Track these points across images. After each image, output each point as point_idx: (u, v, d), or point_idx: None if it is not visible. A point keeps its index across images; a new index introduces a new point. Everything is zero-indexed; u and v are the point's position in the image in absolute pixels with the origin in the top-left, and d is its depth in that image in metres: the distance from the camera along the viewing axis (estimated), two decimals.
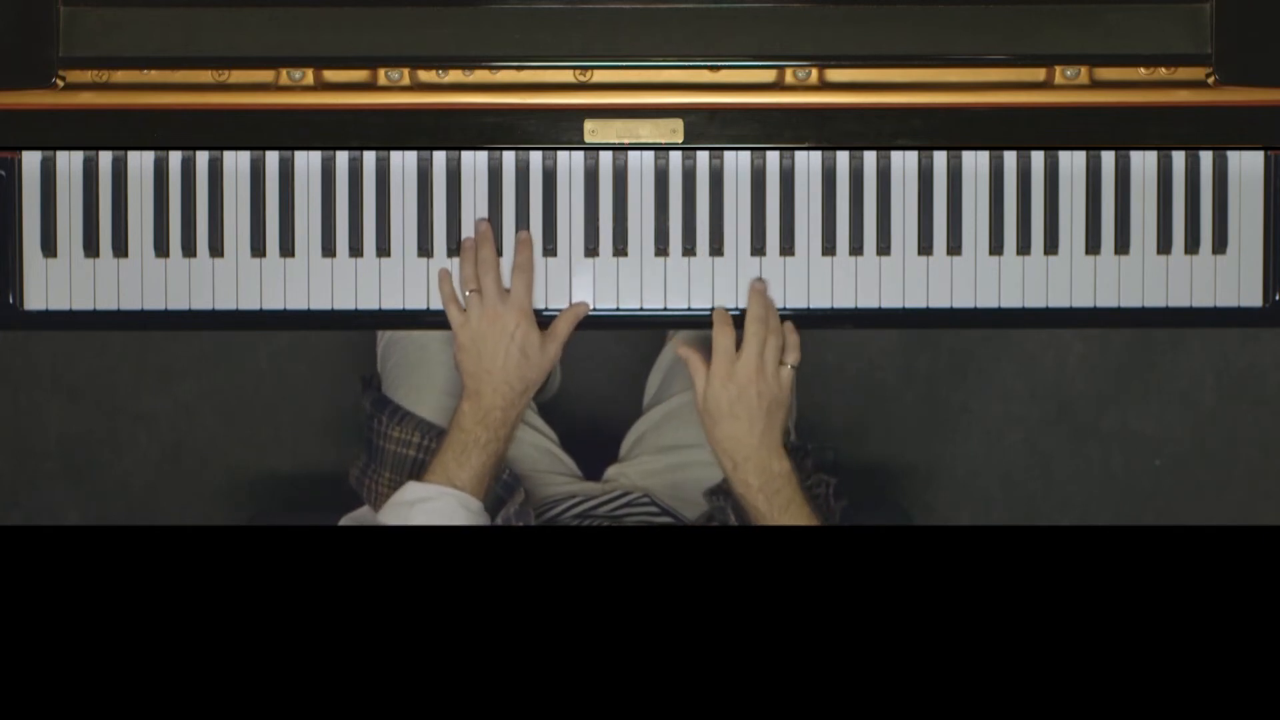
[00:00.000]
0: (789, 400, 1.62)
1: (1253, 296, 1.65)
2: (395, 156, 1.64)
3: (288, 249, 1.63)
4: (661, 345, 1.97)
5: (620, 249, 1.65)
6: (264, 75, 1.58)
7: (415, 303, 1.65)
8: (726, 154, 1.64)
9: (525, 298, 1.61)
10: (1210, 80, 1.58)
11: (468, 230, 1.64)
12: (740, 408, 1.58)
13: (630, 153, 1.64)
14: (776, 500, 1.58)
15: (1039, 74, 1.59)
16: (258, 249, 1.64)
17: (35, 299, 1.63)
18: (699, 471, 1.79)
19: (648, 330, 2.11)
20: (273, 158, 1.64)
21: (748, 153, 1.64)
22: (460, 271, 1.62)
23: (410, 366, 1.82)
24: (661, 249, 1.64)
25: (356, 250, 1.64)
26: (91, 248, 1.63)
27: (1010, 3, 1.57)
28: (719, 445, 1.60)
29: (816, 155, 1.64)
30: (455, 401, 1.77)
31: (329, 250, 1.64)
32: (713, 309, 1.63)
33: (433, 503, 1.58)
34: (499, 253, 1.63)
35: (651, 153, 1.64)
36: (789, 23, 1.57)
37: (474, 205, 1.64)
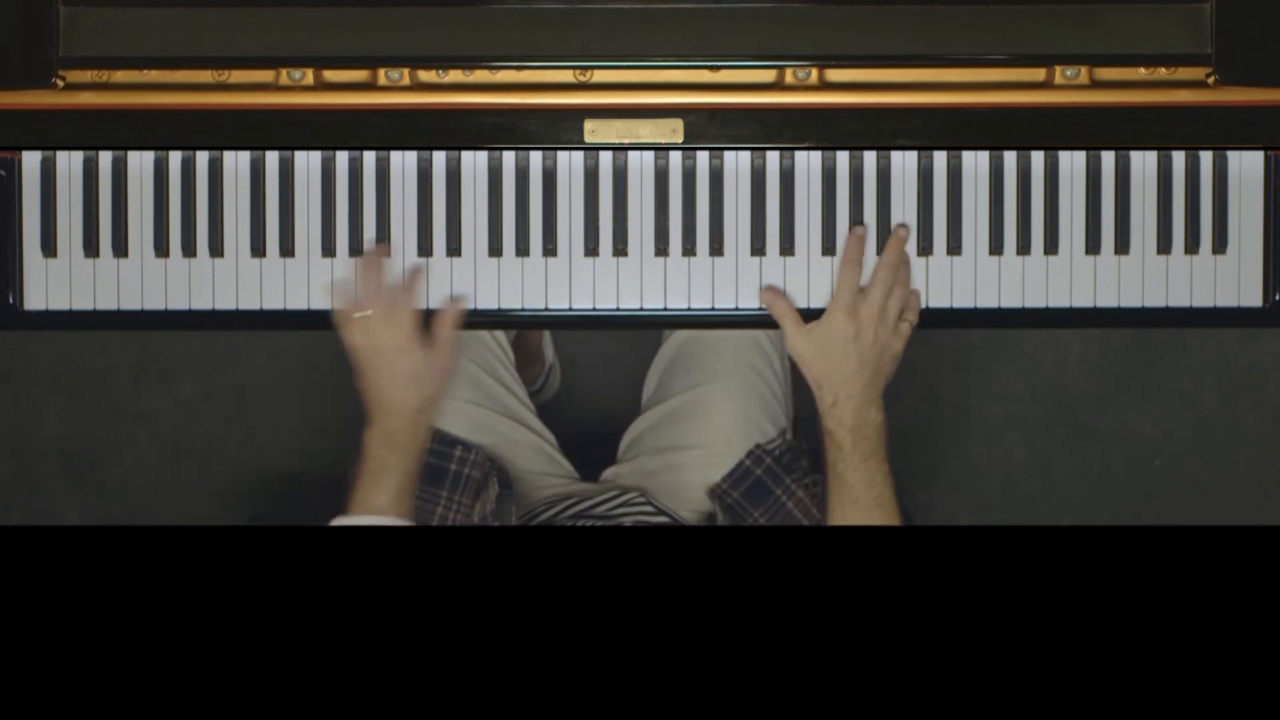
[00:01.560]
0: (899, 356, 1.61)
1: (1253, 296, 1.65)
2: (395, 156, 1.64)
3: (288, 249, 1.63)
4: (659, 345, 1.97)
5: (620, 249, 1.65)
6: (264, 75, 1.58)
7: (414, 302, 1.64)
8: (726, 154, 1.64)
9: (404, 312, 1.58)
10: (1210, 80, 1.58)
11: (466, 228, 1.64)
12: (854, 346, 1.58)
13: (630, 153, 1.64)
14: (862, 446, 1.58)
15: (1039, 74, 1.59)
16: (258, 249, 1.64)
17: (35, 299, 1.63)
18: (696, 472, 1.79)
19: (648, 330, 2.11)
20: (273, 158, 1.64)
21: (748, 153, 1.64)
22: (359, 294, 1.60)
23: None
24: (661, 249, 1.64)
25: (356, 250, 1.64)
26: (91, 248, 1.63)
27: (1010, 3, 1.57)
28: (822, 378, 1.59)
29: (816, 155, 1.64)
30: (456, 403, 1.77)
31: (329, 250, 1.64)
32: (850, 231, 1.61)
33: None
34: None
35: (651, 153, 1.64)
36: (789, 23, 1.57)
37: (474, 205, 1.64)
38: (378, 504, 1.58)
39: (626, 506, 1.75)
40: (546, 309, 1.65)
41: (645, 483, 1.81)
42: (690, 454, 1.81)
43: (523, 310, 1.65)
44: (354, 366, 1.60)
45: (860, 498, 1.58)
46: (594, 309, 1.65)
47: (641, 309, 1.65)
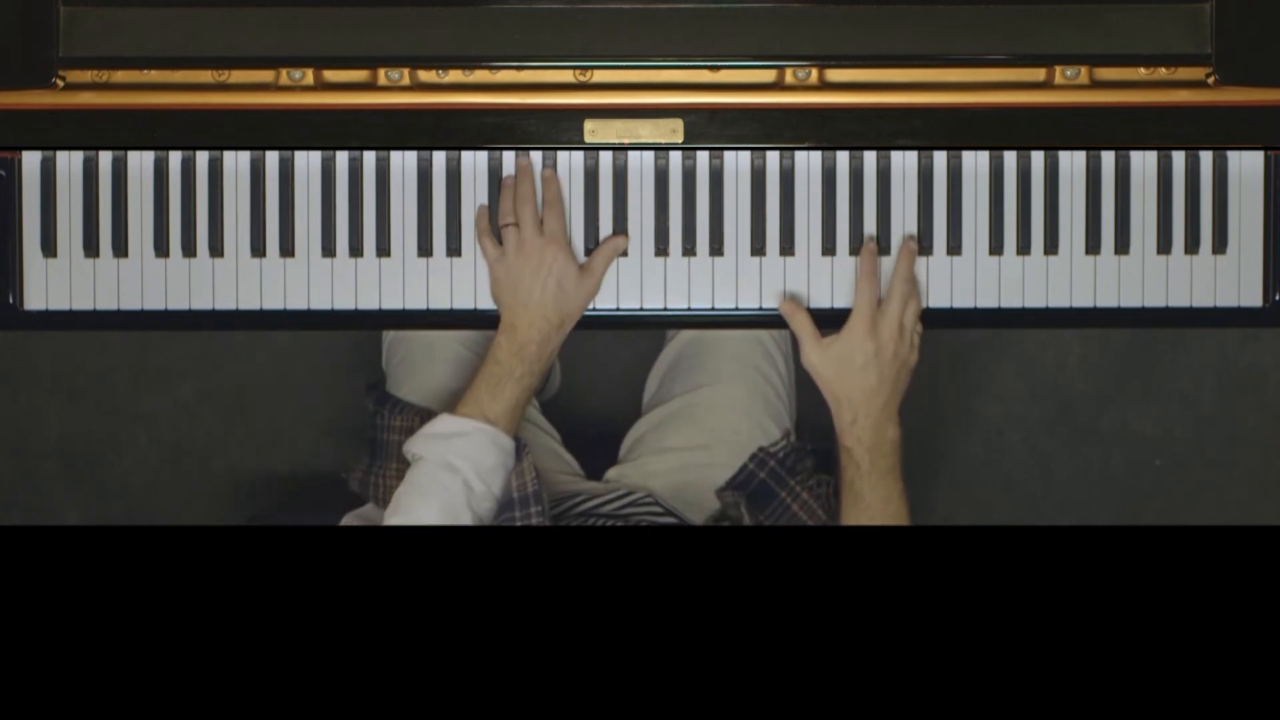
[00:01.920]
0: (913, 368, 1.62)
1: (1253, 296, 1.65)
2: (395, 156, 1.64)
3: (288, 249, 1.63)
4: (661, 345, 1.97)
5: (623, 247, 1.65)
6: (264, 75, 1.58)
7: (415, 303, 1.64)
8: (726, 154, 1.64)
9: (560, 232, 1.61)
10: (1210, 80, 1.58)
11: (468, 229, 1.64)
12: (875, 364, 1.58)
13: (630, 153, 1.64)
14: (879, 463, 1.58)
15: (1039, 74, 1.59)
16: (258, 249, 1.64)
17: (35, 299, 1.63)
18: (701, 473, 1.79)
19: (647, 330, 2.11)
20: (273, 158, 1.64)
21: (748, 153, 1.64)
22: (499, 206, 1.62)
23: (415, 364, 1.82)
24: (661, 249, 1.64)
25: (356, 250, 1.64)
26: (91, 248, 1.63)
27: (1010, 3, 1.57)
28: (842, 396, 1.59)
29: (816, 155, 1.64)
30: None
31: (329, 250, 1.64)
32: (862, 247, 1.62)
33: (467, 438, 1.57)
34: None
35: (651, 153, 1.64)
36: (789, 23, 1.57)
37: (474, 205, 1.64)
38: (493, 410, 1.59)
39: (634, 506, 1.75)
40: None
41: (650, 483, 1.80)
42: (693, 455, 1.80)
43: None
44: (493, 275, 1.61)
45: (876, 514, 1.58)
46: (594, 309, 1.65)
47: (641, 309, 1.65)
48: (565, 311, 1.61)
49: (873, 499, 1.58)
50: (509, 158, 1.64)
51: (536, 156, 1.64)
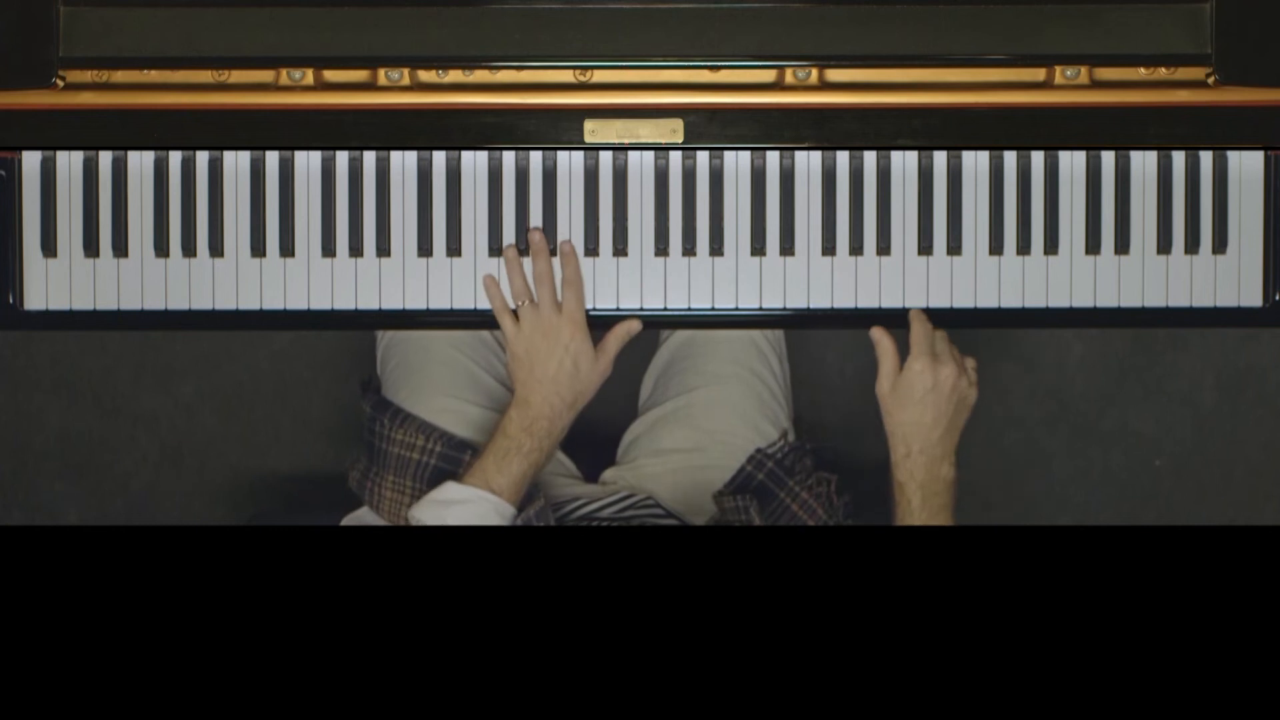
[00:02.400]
0: (972, 407, 1.61)
1: (1253, 296, 1.65)
2: (395, 156, 1.64)
3: (288, 249, 1.63)
4: (655, 348, 1.97)
5: (620, 249, 1.65)
6: (264, 75, 1.58)
7: (415, 303, 1.65)
8: (726, 154, 1.64)
9: (579, 311, 1.62)
10: (1210, 80, 1.58)
11: (466, 228, 1.64)
12: (932, 398, 1.58)
13: (630, 153, 1.64)
14: (931, 503, 1.59)
15: (1039, 74, 1.59)
16: (258, 249, 1.64)
17: (35, 299, 1.63)
18: (697, 475, 1.78)
19: (647, 330, 2.11)
20: (273, 158, 1.64)
21: (748, 153, 1.64)
22: (510, 283, 1.63)
23: (410, 368, 1.82)
24: (661, 249, 1.64)
25: (356, 250, 1.64)
26: (91, 248, 1.63)
27: (1010, 3, 1.57)
28: (899, 429, 1.59)
29: (816, 155, 1.64)
30: (456, 403, 1.77)
31: (329, 250, 1.64)
32: (909, 311, 1.62)
33: (469, 505, 1.59)
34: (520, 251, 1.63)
35: (651, 153, 1.64)
36: (789, 23, 1.57)
37: (474, 205, 1.64)
38: (497, 482, 1.60)
39: (636, 509, 1.75)
40: None
41: (649, 485, 1.80)
42: (689, 457, 1.80)
43: None
44: (511, 352, 1.62)
45: None
46: (594, 309, 1.65)
47: (641, 309, 1.65)
48: (578, 391, 1.63)
49: None
50: (509, 158, 1.64)
51: (537, 156, 1.63)
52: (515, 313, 1.62)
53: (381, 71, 1.59)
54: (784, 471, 1.76)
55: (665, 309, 1.65)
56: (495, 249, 1.64)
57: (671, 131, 1.60)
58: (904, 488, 1.59)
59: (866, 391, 2.11)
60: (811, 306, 1.64)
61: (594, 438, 1.96)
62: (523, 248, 1.63)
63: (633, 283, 1.65)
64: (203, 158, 1.63)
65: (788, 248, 1.65)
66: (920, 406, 1.58)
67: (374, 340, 1.94)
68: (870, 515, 1.95)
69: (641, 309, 1.65)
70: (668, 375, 1.90)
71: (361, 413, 1.80)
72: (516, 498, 1.61)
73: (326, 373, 2.41)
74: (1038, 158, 1.64)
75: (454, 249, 1.64)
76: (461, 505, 1.59)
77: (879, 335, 1.62)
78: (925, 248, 1.64)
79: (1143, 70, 1.59)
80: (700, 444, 1.80)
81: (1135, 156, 1.64)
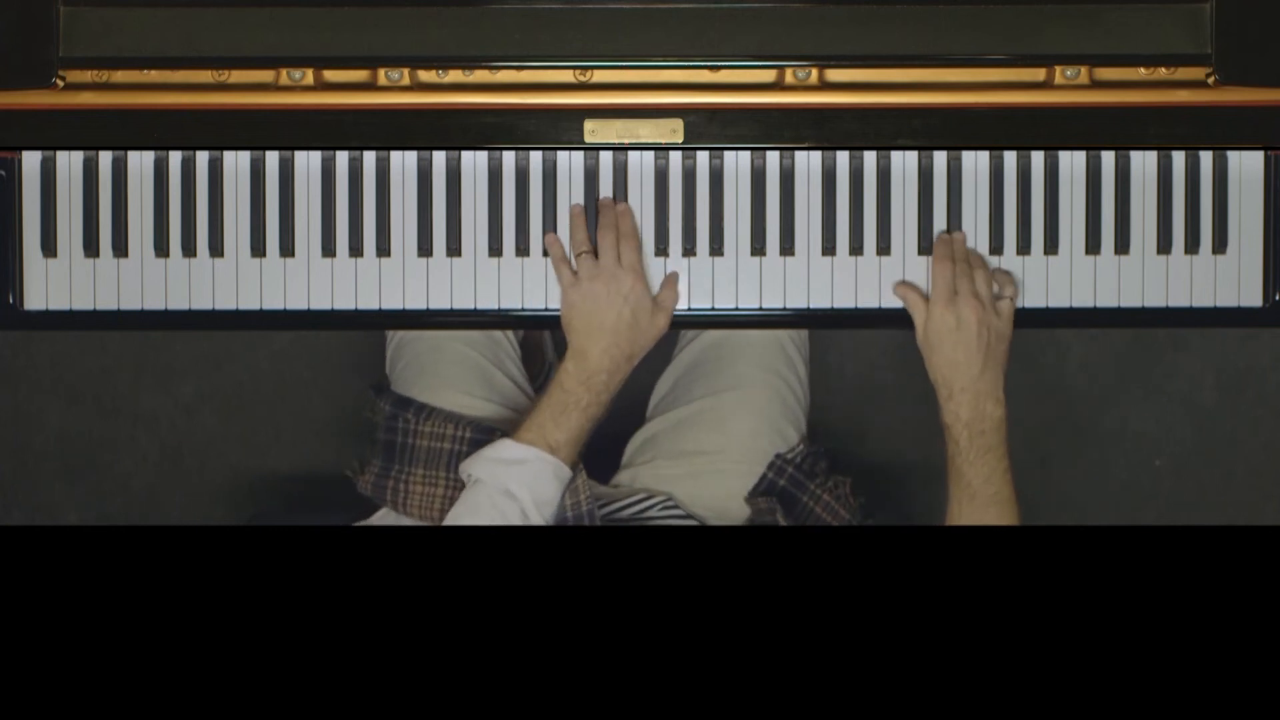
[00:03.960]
0: (1010, 336, 1.61)
1: (1253, 296, 1.65)
2: (395, 156, 1.64)
3: (288, 249, 1.63)
4: (665, 350, 1.96)
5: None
6: (264, 75, 1.58)
7: (415, 303, 1.65)
8: (726, 154, 1.64)
9: (638, 264, 1.61)
10: (1210, 80, 1.58)
11: (466, 228, 1.64)
12: (960, 336, 1.58)
13: (630, 153, 1.64)
14: (978, 441, 1.59)
15: (1039, 74, 1.59)
16: (258, 249, 1.64)
17: (35, 299, 1.63)
18: (715, 479, 1.77)
19: (666, 334, 2.11)
20: (273, 158, 1.64)
21: (748, 153, 1.64)
22: (572, 235, 1.62)
23: (422, 367, 1.81)
24: (662, 249, 1.64)
25: (356, 250, 1.64)
26: (91, 248, 1.63)
27: (1010, 3, 1.57)
28: (937, 374, 1.60)
29: (816, 155, 1.64)
30: (469, 400, 1.76)
31: (329, 250, 1.64)
32: (936, 237, 1.63)
33: (528, 466, 1.57)
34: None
35: (651, 153, 1.64)
36: (789, 23, 1.57)
37: (474, 205, 1.64)
38: (555, 438, 1.59)
39: (656, 509, 1.75)
40: (547, 309, 1.65)
41: (663, 487, 1.80)
42: (711, 460, 1.79)
43: (523, 310, 1.65)
44: (568, 301, 1.61)
45: (978, 493, 1.59)
46: None
47: None
48: (636, 344, 1.62)
49: (973, 476, 1.59)
50: (509, 158, 1.64)
51: (537, 156, 1.63)
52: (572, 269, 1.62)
53: (381, 71, 1.59)
54: (804, 475, 1.76)
55: None
56: (495, 249, 1.64)
57: (671, 131, 1.60)
58: (951, 429, 1.60)
59: (867, 393, 2.12)
60: (811, 306, 1.64)
61: (597, 438, 1.96)
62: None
63: None
64: (203, 158, 1.63)
65: (788, 248, 1.65)
66: (951, 348, 1.58)
67: (375, 340, 1.94)
68: (881, 516, 1.95)
69: None
70: (692, 376, 1.88)
71: (376, 414, 1.79)
72: (573, 456, 1.60)
73: (326, 373, 2.41)
74: (1038, 158, 1.64)
75: (454, 249, 1.64)
76: (520, 465, 1.57)
77: (903, 291, 1.62)
78: (925, 248, 1.64)
79: (1143, 70, 1.59)
80: (722, 447, 1.79)
81: (1135, 156, 1.64)
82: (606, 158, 1.64)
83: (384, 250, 1.64)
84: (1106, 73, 1.59)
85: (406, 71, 1.59)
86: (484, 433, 1.70)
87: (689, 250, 1.65)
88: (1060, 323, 1.66)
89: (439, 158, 1.64)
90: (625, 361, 1.61)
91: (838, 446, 1.62)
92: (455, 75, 1.60)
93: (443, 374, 1.79)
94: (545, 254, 1.64)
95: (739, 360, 1.83)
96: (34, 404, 2.41)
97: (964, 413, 1.59)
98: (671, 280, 1.64)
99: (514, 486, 1.56)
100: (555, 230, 1.64)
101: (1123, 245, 1.64)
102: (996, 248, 1.65)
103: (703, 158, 1.64)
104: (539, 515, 1.56)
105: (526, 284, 1.64)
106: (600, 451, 1.91)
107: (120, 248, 1.63)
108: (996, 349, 1.60)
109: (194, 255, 1.63)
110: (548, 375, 2.27)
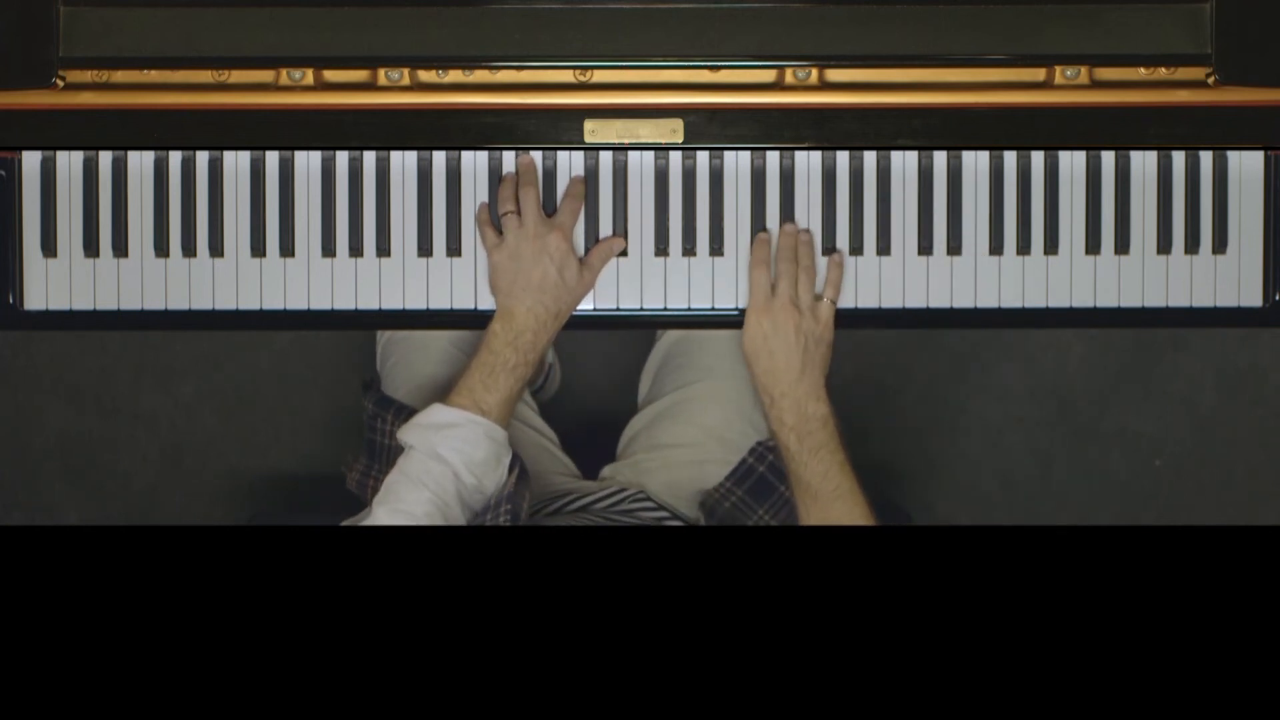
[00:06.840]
0: (829, 338, 1.61)
1: (1253, 296, 1.65)
2: (395, 156, 1.64)
3: (288, 249, 1.63)
4: (652, 345, 1.97)
5: (620, 249, 1.65)
6: (264, 75, 1.58)
7: (415, 303, 1.65)
8: (726, 154, 1.64)
9: (570, 223, 1.61)
10: (1210, 80, 1.58)
11: (466, 228, 1.64)
12: (776, 343, 1.58)
13: (630, 153, 1.64)
14: (808, 442, 1.58)
15: (1039, 74, 1.59)
16: (258, 249, 1.64)
17: (35, 299, 1.63)
18: (694, 469, 1.79)
19: (647, 330, 2.11)
20: (273, 158, 1.64)
21: (748, 153, 1.64)
22: (499, 195, 1.62)
23: (410, 366, 1.82)
24: (661, 249, 1.64)
25: (356, 250, 1.64)
26: (91, 248, 1.63)
27: (1010, 3, 1.57)
28: (758, 382, 1.60)
29: (816, 155, 1.64)
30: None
31: (329, 250, 1.64)
32: (754, 239, 1.63)
33: (459, 429, 1.56)
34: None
35: (651, 153, 1.64)
36: (789, 23, 1.57)
37: (474, 205, 1.64)
38: (486, 401, 1.58)
39: (628, 503, 1.75)
40: None
41: (643, 479, 1.81)
42: (684, 451, 1.81)
43: None
44: (494, 262, 1.60)
45: (819, 491, 1.57)
46: (594, 309, 1.65)
47: (641, 309, 1.66)
48: (562, 302, 1.61)
49: (810, 477, 1.58)
50: (509, 157, 1.64)
51: (538, 156, 1.64)
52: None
53: (381, 71, 1.59)
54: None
55: (665, 309, 1.65)
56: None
57: (671, 131, 1.60)
58: (779, 435, 1.59)
59: (867, 393, 2.12)
60: None
61: (596, 435, 1.96)
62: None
63: (633, 283, 1.65)
64: (203, 158, 1.63)
65: None
66: (768, 354, 1.58)
67: (374, 339, 1.94)
68: (879, 516, 1.95)
69: (641, 309, 1.65)
70: (664, 371, 1.90)
71: (363, 412, 1.80)
72: (505, 418, 1.59)
73: (326, 373, 2.41)
74: (1038, 158, 1.64)
75: (454, 249, 1.64)
76: (451, 429, 1.56)
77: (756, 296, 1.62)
78: (925, 248, 1.64)
79: (1143, 70, 1.59)
80: (697, 438, 1.81)
81: (1135, 156, 1.64)
82: (606, 158, 1.64)
83: (384, 250, 1.64)
84: (1106, 73, 1.59)
85: (406, 71, 1.59)
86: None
87: (689, 250, 1.65)
88: (1060, 323, 1.66)
89: (439, 158, 1.64)
90: (552, 320, 1.60)
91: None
92: (455, 75, 1.60)
93: (430, 374, 1.79)
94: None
95: (707, 353, 1.84)
96: (34, 404, 2.42)
97: (788, 418, 1.58)
98: (603, 245, 1.63)
99: (444, 450, 1.55)
100: None
101: (1123, 245, 1.64)
102: (996, 248, 1.65)
103: (703, 158, 1.64)
104: (471, 477, 1.55)
105: None
106: (596, 447, 1.92)
107: (120, 248, 1.63)
108: (814, 352, 1.59)
109: (194, 255, 1.63)
110: (548, 377, 2.27)
